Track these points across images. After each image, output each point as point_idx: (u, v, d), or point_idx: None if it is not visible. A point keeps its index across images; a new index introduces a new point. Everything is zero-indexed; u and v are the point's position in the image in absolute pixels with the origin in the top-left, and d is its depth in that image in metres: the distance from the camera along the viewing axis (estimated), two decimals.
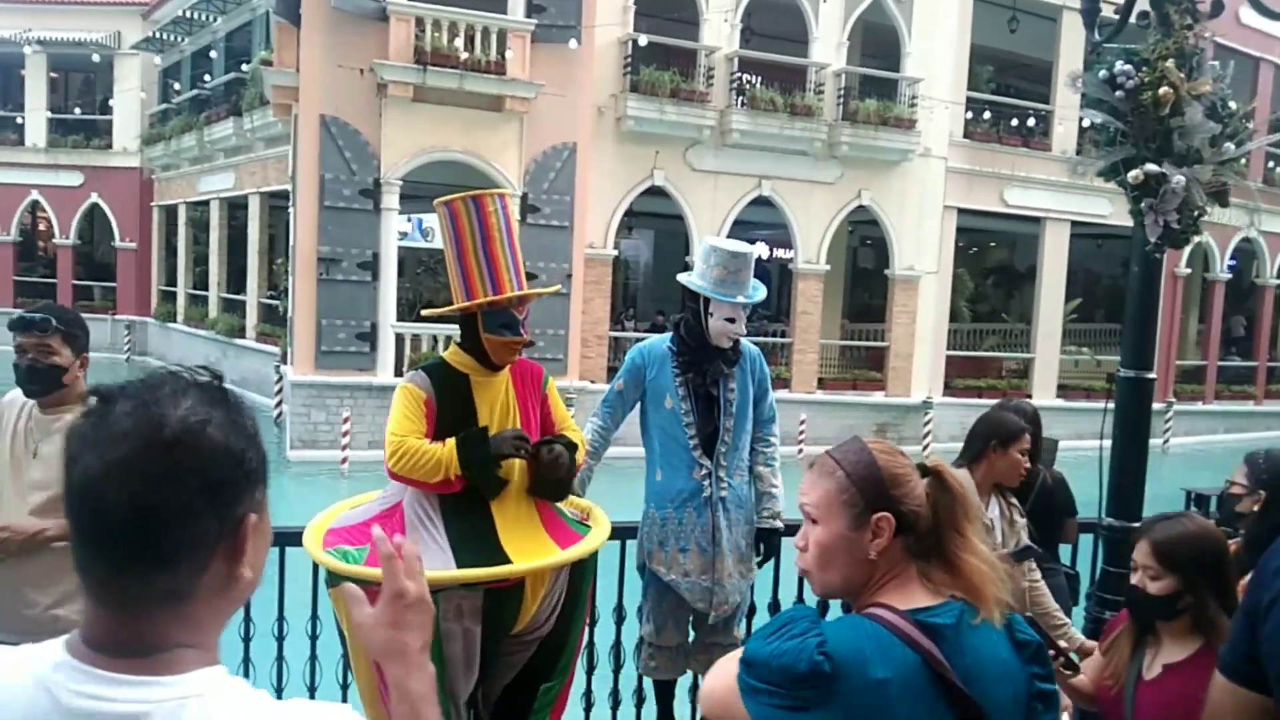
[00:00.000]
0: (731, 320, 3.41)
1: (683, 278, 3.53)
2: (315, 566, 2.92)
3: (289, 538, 3.02)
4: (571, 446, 2.92)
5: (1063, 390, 19.59)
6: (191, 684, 0.89)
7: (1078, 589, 4.09)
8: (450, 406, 2.86)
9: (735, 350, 3.53)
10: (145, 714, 0.86)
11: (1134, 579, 2.26)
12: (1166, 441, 19.65)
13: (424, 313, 3.47)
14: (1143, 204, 3.39)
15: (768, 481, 3.63)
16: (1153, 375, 3.56)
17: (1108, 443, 3.56)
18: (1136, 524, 3.51)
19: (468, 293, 2.87)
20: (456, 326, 3.01)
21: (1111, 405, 3.62)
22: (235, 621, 3.21)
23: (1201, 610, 2.15)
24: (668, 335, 3.61)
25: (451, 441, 2.74)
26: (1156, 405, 20.65)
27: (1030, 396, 18.82)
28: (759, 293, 3.48)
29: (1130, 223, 3.53)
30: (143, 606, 0.90)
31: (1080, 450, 6.16)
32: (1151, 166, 3.35)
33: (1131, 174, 3.37)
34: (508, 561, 2.73)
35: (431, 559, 2.72)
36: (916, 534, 1.48)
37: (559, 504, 3.06)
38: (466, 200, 2.88)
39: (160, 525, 0.88)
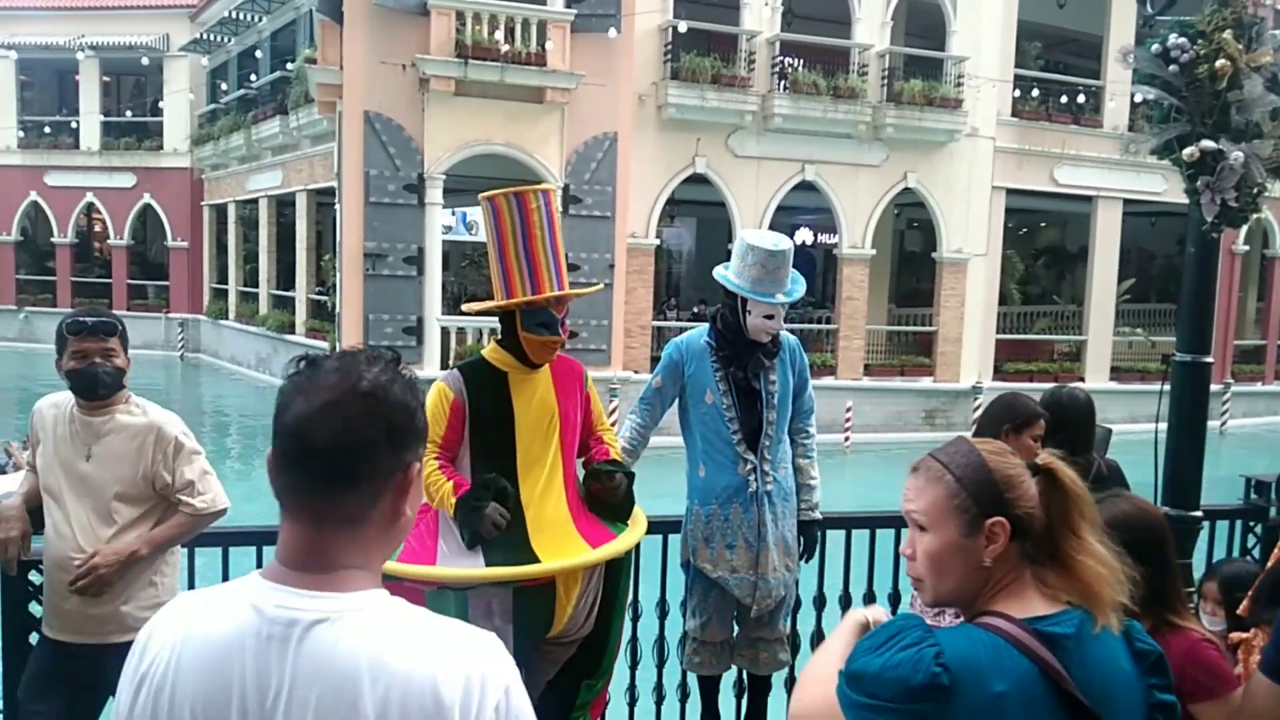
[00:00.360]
0: (770, 317, 3.36)
1: (719, 274, 3.47)
2: None
3: None
4: (630, 475, 2.96)
5: (1116, 373, 19.19)
6: (361, 599, 1.12)
7: None
8: (487, 404, 2.86)
9: (775, 342, 3.47)
10: (326, 619, 1.09)
11: None
12: (1224, 424, 19.16)
13: (464, 307, 3.47)
14: (1199, 182, 3.29)
15: (806, 474, 3.59)
16: (1210, 359, 3.46)
17: (1163, 426, 3.48)
18: (1196, 513, 3.43)
19: (507, 291, 2.86)
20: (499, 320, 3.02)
21: (1167, 388, 3.53)
22: None
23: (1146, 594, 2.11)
24: (705, 329, 3.56)
25: (449, 491, 2.74)
26: (1214, 387, 20.12)
27: (1083, 380, 18.48)
28: (798, 289, 3.42)
29: (1185, 200, 3.42)
30: (329, 525, 1.14)
31: (1134, 434, 6.01)
32: (1208, 143, 3.24)
33: (1187, 151, 3.26)
34: (536, 561, 2.72)
35: (461, 557, 2.74)
36: (1032, 538, 1.42)
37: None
38: (509, 196, 2.85)
39: (353, 455, 1.13)
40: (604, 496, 2.94)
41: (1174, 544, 2.92)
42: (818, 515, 3.57)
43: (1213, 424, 19.01)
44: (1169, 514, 3.38)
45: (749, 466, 3.41)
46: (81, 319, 2.85)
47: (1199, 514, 3.43)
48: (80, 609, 2.79)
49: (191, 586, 3.30)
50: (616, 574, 2.97)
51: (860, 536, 3.76)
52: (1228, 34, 3.24)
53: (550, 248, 2.86)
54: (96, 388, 2.82)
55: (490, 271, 2.96)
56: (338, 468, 1.13)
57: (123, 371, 2.86)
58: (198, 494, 2.89)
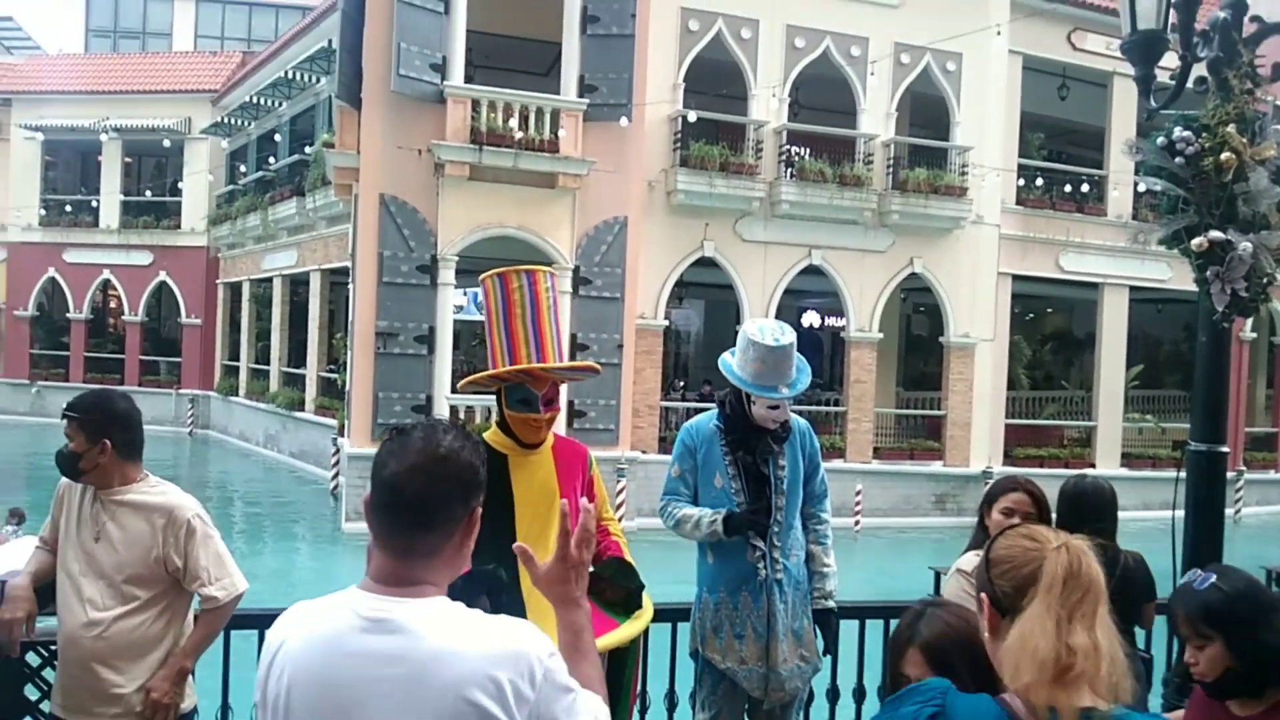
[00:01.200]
0: (775, 408, 3.33)
1: (723, 364, 3.43)
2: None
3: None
4: (624, 568, 2.94)
5: (1127, 459, 19.04)
6: (433, 604, 1.46)
7: (1151, 675, 3.88)
8: (488, 489, 2.84)
9: (784, 426, 3.44)
10: (409, 616, 1.42)
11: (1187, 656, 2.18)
12: (1238, 512, 18.92)
13: (459, 384, 3.48)
14: (1208, 272, 3.31)
15: (819, 560, 3.51)
16: (1225, 449, 3.44)
17: (1180, 514, 3.43)
18: None
19: (490, 366, 2.92)
20: None
21: (1183, 475, 3.49)
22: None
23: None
24: (714, 412, 3.52)
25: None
26: (1228, 474, 19.91)
27: (1093, 465, 18.34)
28: (802, 380, 3.36)
29: (1192, 288, 3.44)
30: (412, 556, 1.47)
31: (1148, 522, 5.93)
32: (1216, 234, 3.28)
33: (1195, 241, 3.30)
34: None
35: None
36: (1017, 616, 1.47)
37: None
38: (495, 276, 2.92)
39: (433, 506, 1.47)
40: (602, 598, 2.89)
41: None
42: (832, 604, 3.46)
43: (1227, 512, 18.76)
44: None
45: (758, 553, 3.34)
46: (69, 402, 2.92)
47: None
48: (90, 688, 2.76)
49: (226, 670, 3.28)
50: (621, 664, 2.90)
51: (874, 626, 3.69)
52: (1231, 128, 3.30)
53: (531, 324, 2.88)
54: (61, 468, 2.87)
55: None
56: (421, 515, 1.47)
57: (78, 455, 2.83)
58: (214, 581, 2.87)
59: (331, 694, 1.43)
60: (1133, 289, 19.21)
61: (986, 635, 1.53)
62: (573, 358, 15.22)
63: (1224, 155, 3.28)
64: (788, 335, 3.34)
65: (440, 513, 1.48)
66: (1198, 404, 3.50)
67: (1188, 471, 3.44)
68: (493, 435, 2.94)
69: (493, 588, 2.68)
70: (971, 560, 3.10)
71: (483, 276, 2.97)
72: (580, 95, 15.12)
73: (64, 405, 2.91)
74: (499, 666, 1.40)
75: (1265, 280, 3.36)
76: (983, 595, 1.53)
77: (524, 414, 2.86)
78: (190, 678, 2.94)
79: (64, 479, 2.95)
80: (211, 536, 2.91)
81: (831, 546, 3.55)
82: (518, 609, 2.73)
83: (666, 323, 17.12)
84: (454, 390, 14.69)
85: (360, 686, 1.41)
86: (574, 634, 1.60)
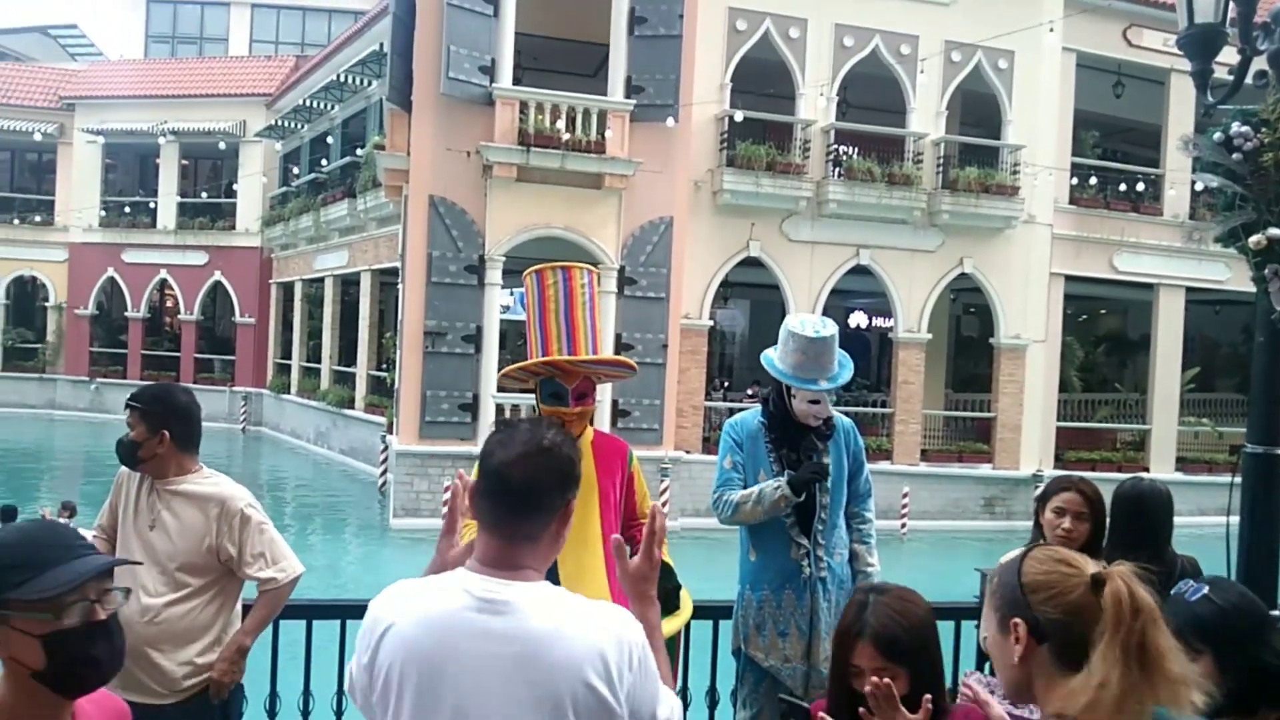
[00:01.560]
0: (816, 402, 3.32)
1: (765, 359, 3.44)
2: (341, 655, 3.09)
3: (352, 610, 3.10)
4: (663, 567, 2.93)
5: (1182, 463, 18.61)
6: (538, 588, 1.58)
7: None
8: None
9: (828, 424, 3.43)
10: (517, 597, 1.54)
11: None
12: None
13: (499, 374, 3.55)
14: (1266, 270, 3.24)
15: (863, 560, 3.49)
16: None
17: (1235, 519, 3.36)
18: (1277, 612, 3.28)
19: (528, 359, 2.99)
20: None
21: (1238, 480, 3.42)
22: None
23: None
24: (758, 410, 3.52)
25: None
26: None
27: (1147, 470, 17.96)
28: (843, 374, 3.35)
29: (1251, 288, 3.37)
30: (516, 541, 1.59)
31: (1203, 528, 5.80)
32: (1275, 231, 3.21)
33: (1253, 239, 3.23)
34: None
35: None
36: (1064, 643, 1.45)
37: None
38: (533, 274, 2.99)
39: (535, 493, 1.59)
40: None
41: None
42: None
43: None
44: None
45: (802, 551, 3.34)
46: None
47: (1278, 612, 3.28)
48: (142, 669, 2.83)
49: (276, 657, 3.35)
50: None
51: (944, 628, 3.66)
52: None
53: (565, 319, 2.93)
54: (121, 457, 2.95)
55: None
56: (524, 502, 1.59)
57: (137, 444, 2.92)
58: (272, 564, 2.95)
59: (446, 671, 1.51)
60: (1189, 290, 18.78)
61: (1015, 661, 1.49)
62: (617, 354, 15.26)
63: None
64: (829, 328, 3.35)
65: (542, 500, 1.60)
66: (1255, 404, 3.43)
67: (1243, 475, 3.37)
68: None
69: None
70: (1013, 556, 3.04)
71: (525, 273, 3.03)
72: (627, 96, 15.16)
73: (126, 398, 3.01)
74: (605, 648, 1.51)
75: None
76: (1018, 621, 1.49)
77: (554, 407, 2.92)
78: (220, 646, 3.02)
79: (123, 468, 3.03)
80: (265, 524, 2.99)
81: (875, 547, 3.53)
82: None
83: (711, 323, 17.09)
84: (496, 386, 14.85)
85: (474, 663, 1.50)
86: (650, 629, 1.65)
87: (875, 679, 1.81)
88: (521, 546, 1.58)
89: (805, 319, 3.40)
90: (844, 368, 3.38)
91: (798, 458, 3.40)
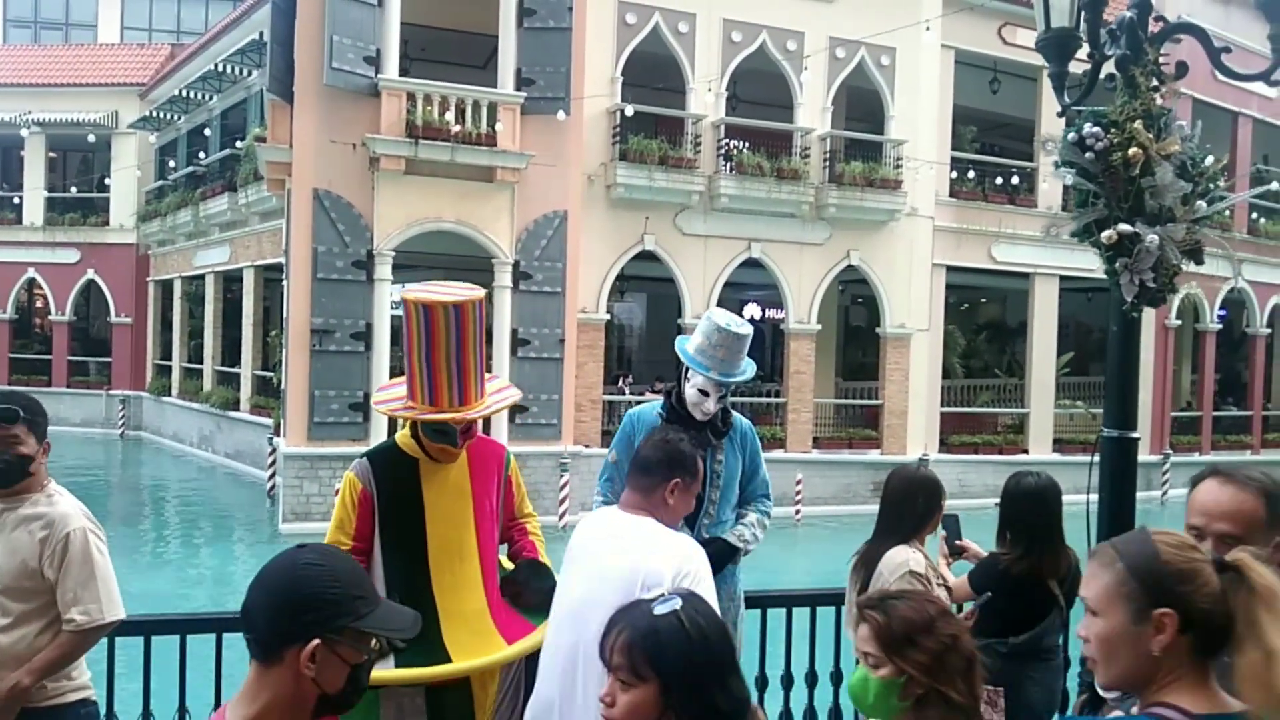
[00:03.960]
0: (705, 394, 3.35)
1: (679, 341, 3.52)
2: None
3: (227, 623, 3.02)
4: (539, 569, 2.92)
5: (1059, 444, 19.53)
6: (647, 521, 2.49)
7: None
8: (396, 493, 2.78)
9: (725, 423, 3.48)
10: (634, 523, 2.49)
11: None
12: (1165, 494, 19.57)
13: (373, 401, 3.43)
14: (1117, 264, 3.41)
15: (749, 519, 3.51)
16: (1136, 435, 3.55)
17: (1094, 498, 3.54)
18: None
19: (408, 393, 2.80)
20: None
21: (1097, 459, 3.60)
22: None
23: None
24: (659, 402, 3.57)
25: None
26: (1153, 457, 20.45)
27: (1026, 451, 18.80)
28: (738, 374, 3.39)
29: None
30: (645, 495, 2.54)
31: (1079, 506, 6.10)
32: (1124, 226, 3.38)
33: (1105, 234, 3.39)
34: (448, 659, 2.64)
35: None
36: (1209, 633, 1.42)
37: None
38: (419, 305, 2.68)
39: (652, 468, 2.55)
40: (518, 603, 2.89)
41: None
42: (734, 541, 3.41)
43: (1154, 494, 19.39)
44: None
45: None
46: None
47: None
48: None
49: (148, 677, 3.17)
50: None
51: (801, 614, 3.75)
52: (1138, 124, 3.40)
53: (455, 364, 2.71)
54: (11, 477, 2.67)
55: None
56: (651, 472, 2.54)
57: (29, 459, 2.68)
58: (76, 604, 2.67)
59: (591, 546, 2.52)
60: (1063, 278, 19.69)
61: (1156, 652, 1.43)
62: (513, 353, 15.15)
63: (1131, 150, 3.37)
64: (744, 328, 3.41)
65: (659, 472, 2.53)
66: (1110, 391, 3.61)
67: (1101, 457, 3.55)
68: (404, 438, 2.87)
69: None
70: (912, 556, 3.11)
71: (404, 295, 2.78)
72: (518, 88, 15.03)
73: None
74: (669, 561, 2.32)
75: (1172, 271, 3.47)
76: (1168, 612, 1.42)
77: (440, 444, 2.79)
78: (82, 663, 2.79)
79: None
80: (93, 553, 2.72)
81: (754, 528, 3.51)
82: (432, 626, 2.69)
83: (608, 316, 17.12)
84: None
85: (604, 544, 2.49)
86: None
87: None
88: (643, 500, 2.53)
89: (729, 314, 3.47)
90: (742, 370, 3.42)
91: None
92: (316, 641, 1.45)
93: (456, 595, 2.77)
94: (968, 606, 3.41)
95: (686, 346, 3.44)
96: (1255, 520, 1.96)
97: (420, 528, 2.78)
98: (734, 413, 3.56)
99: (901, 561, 3.07)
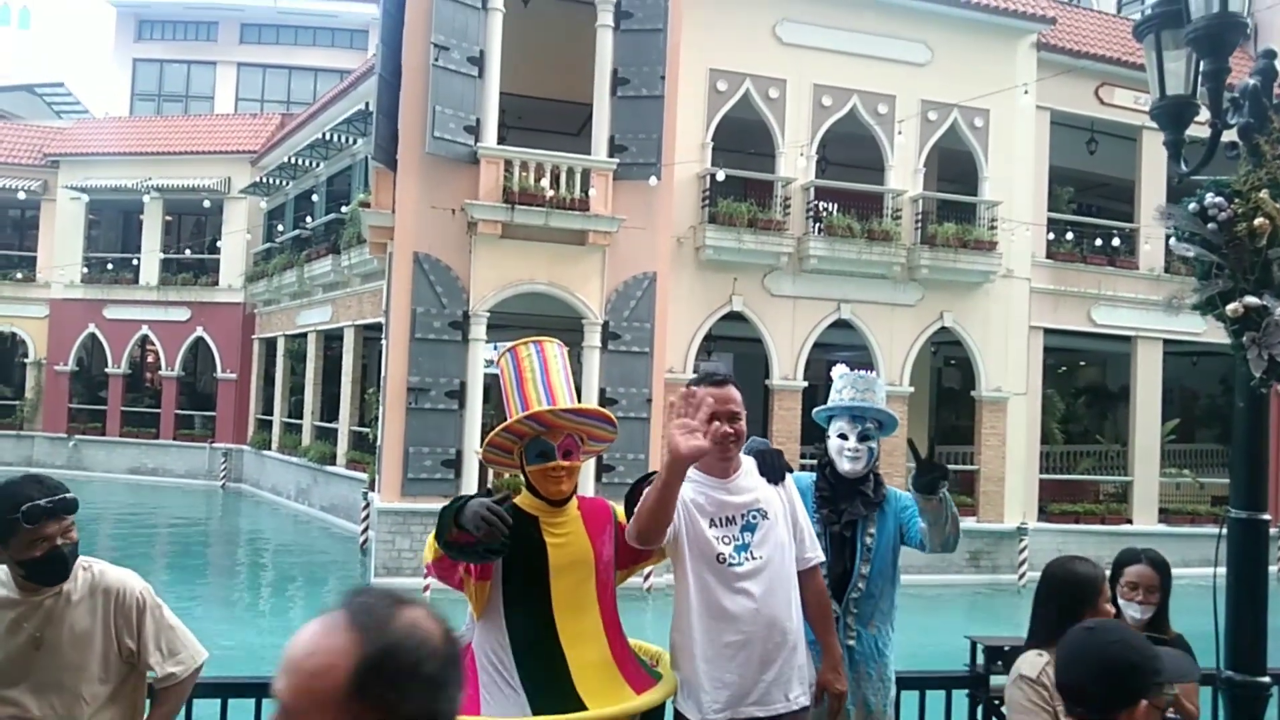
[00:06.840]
0: (844, 437, 3.39)
1: (815, 414, 3.62)
2: None
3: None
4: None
5: (1164, 514, 18.68)
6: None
7: None
8: (519, 548, 2.85)
9: (877, 492, 3.45)
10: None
11: None
12: None
13: (476, 453, 3.63)
14: (1245, 338, 3.30)
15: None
16: (1267, 516, 3.39)
17: (1221, 570, 3.37)
18: (1264, 678, 3.28)
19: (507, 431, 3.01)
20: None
21: (1224, 531, 3.44)
22: None
23: None
24: (815, 474, 3.60)
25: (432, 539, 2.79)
26: (1272, 530, 19.42)
27: (1130, 521, 18.01)
28: (872, 405, 3.44)
29: (1226, 340, 3.43)
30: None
31: (1187, 580, 5.80)
32: (1251, 299, 3.26)
33: (1230, 307, 3.28)
34: (583, 707, 2.68)
35: (505, 703, 2.71)
36: None
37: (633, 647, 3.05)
38: (506, 353, 3.08)
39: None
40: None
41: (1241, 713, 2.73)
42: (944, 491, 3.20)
43: (1272, 569, 18.31)
44: (1233, 679, 3.23)
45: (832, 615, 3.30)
46: (39, 503, 2.47)
47: (1267, 679, 3.29)
48: None
49: None
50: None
51: (909, 699, 3.64)
52: (1264, 193, 3.31)
53: (541, 383, 2.98)
54: (65, 572, 2.55)
55: None
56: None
57: (77, 546, 2.59)
58: (170, 657, 2.67)
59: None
60: (1166, 342, 19.01)
61: None
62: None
63: (1257, 220, 3.27)
64: (873, 375, 3.57)
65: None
66: (1236, 470, 3.46)
67: (1229, 539, 3.39)
68: (524, 499, 2.98)
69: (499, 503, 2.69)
70: (1034, 662, 2.80)
71: (498, 356, 3.16)
72: (610, 155, 15.34)
73: (43, 507, 2.48)
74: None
75: None
76: None
77: (541, 465, 2.91)
78: None
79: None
80: (160, 607, 2.71)
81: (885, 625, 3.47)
82: (563, 674, 2.76)
83: (695, 376, 17.11)
84: (480, 459, 14.79)
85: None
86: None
87: None
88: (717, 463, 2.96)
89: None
90: (877, 408, 3.48)
91: (838, 521, 3.40)
92: None
93: (582, 647, 2.82)
94: None
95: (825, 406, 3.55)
96: None
97: (545, 581, 2.85)
98: (886, 485, 3.54)
99: (1016, 666, 2.90)
